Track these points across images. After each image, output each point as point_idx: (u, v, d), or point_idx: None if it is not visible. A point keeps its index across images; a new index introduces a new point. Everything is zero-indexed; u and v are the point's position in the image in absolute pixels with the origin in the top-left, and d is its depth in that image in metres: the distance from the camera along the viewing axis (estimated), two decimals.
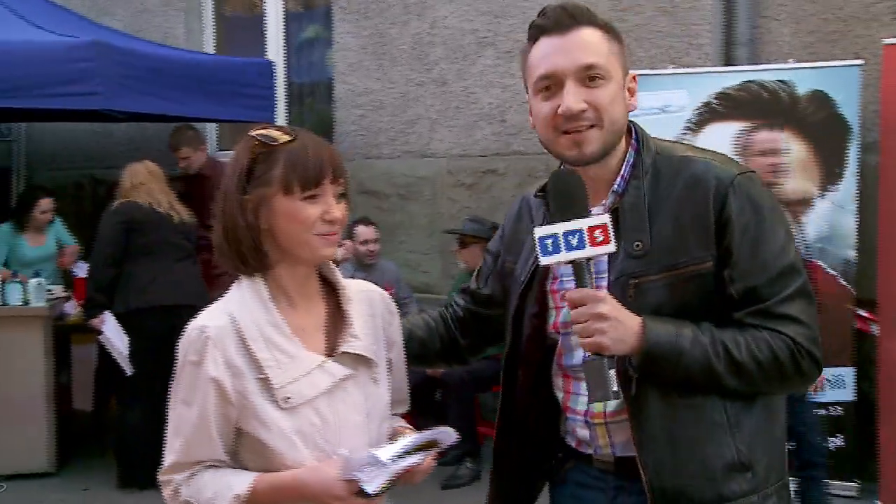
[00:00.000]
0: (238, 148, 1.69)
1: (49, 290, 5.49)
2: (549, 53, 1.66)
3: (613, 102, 1.66)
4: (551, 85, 1.66)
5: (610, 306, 1.57)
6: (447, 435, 1.66)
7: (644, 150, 1.72)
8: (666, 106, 4.92)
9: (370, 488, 1.55)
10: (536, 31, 1.70)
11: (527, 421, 1.85)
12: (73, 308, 5.60)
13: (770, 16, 4.98)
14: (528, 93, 1.74)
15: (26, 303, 5.26)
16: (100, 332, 4.99)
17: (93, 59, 4.91)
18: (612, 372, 1.55)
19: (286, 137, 1.63)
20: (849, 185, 4.54)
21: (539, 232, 1.59)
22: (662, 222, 1.65)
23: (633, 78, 1.73)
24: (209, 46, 7.20)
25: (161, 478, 1.68)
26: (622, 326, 1.57)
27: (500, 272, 1.94)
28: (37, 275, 5.43)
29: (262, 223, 1.62)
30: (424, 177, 6.07)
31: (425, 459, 1.64)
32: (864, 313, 4.47)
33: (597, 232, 1.55)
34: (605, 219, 1.56)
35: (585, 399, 1.71)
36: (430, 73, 6.01)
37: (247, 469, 1.65)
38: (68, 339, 5.67)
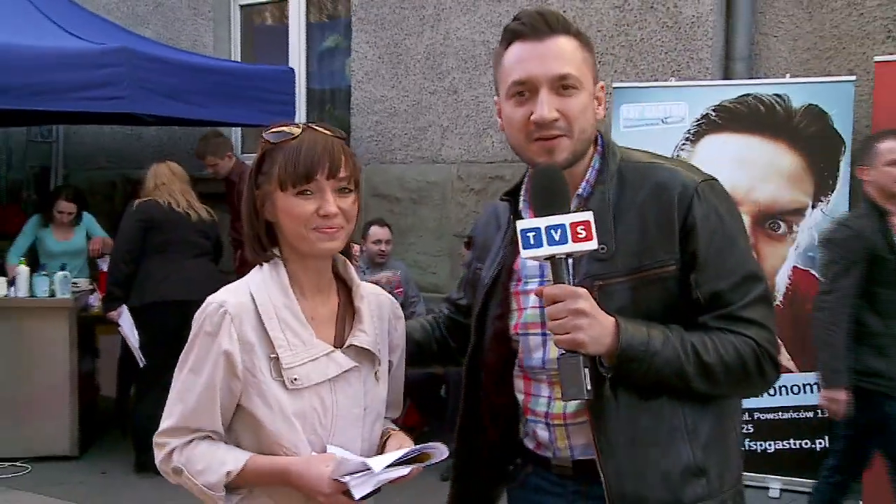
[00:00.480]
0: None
1: (74, 283, 5.71)
2: (524, 59, 1.65)
3: (584, 112, 1.66)
4: (525, 91, 1.65)
5: (589, 303, 1.55)
6: (439, 451, 1.66)
7: (609, 156, 1.72)
8: (667, 117, 5.07)
9: (357, 494, 1.57)
10: (511, 35, 1.69)
11: (487, 423, 1.83)
12: (96, 300, 5.81)
13: (768, 33, 5.11)
14: (497, 95, 1.74)
15: (52, 294, 5.47)
16: (118, 324, 5.22)
17: (121, 65, 5.12)
18: (587, 370, 1.53)
19: (291, 134, 1.65)
20: (841, 196, 4.65)
21: (521, 224, 1.56)
22: (627, 226, 1.65)
23: (602, 87, 1.74)
24: (236, 55, 7.43)
25: (156, 439, 1.69)
26: (598, 325, 1.55)
27: (472, 279, 1.93)
28: (63, 268, 5.66)
29: (269, 217, 1.68)
30: (435, 182, 6.22)
31: (412, 470, 1.64)
32: None
33: (580, 228, 1.53)
34: (589, 215, 1.54)
35: (545, 400, 1.72)
36: (442, 82, 6.18)
37: (239, 446, 1.67)
38: (93, 330, 5.88)
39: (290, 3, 7.17)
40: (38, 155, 8.28)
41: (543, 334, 1.71)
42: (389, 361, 1.83)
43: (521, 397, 1.78)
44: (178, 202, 5.24)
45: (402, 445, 1.74)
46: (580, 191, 1.71)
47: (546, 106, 1.63)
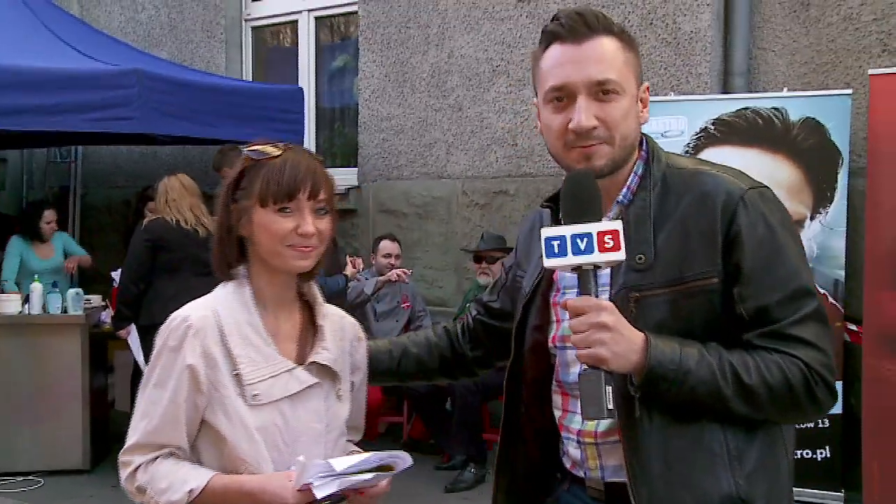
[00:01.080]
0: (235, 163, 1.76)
1: (87, 300, 5.82)
2: (562, 63, 1.58)
3: (626, 118, 1.58)
4: (563, 97, 1.58)
5: (613, 317, 1.47)
6: (402, 460, 1.66)
7: (654, 163, 1.63)
8: (666, 131, 5.12)
9: (319, 493, 1.57)
10: (549, 37, 1.61)
11: (528, 437, 1.77)
12: (108, 316, 5.90)
13: (766, 47, 5.17)
14: (536, 97, 1.68)
15: (65, 311, 5.56)
16: (128, 342, 5.32)
17: (133, 86, 5.25)
18: (609, 389, 1.44)
19: (273, 153, 1.67)
20: (839, 208, 4.65)
21: (546, 232, 1.49)
22: (668, 236, 1.56)
23: (647, 88, 1.65)
24: (248, 75, 7.58)
25: (121, 457, 1.68)
26: (624, 340, 1.47)
27: (512, 286, 1.88)
28: (55, 285, 5.72)
29: (243, 231, 1.69)
30: (440, 197, 6.30)
31: (381, 481, 1.66)
32: (854, 328, 4.61)
33: (607, 237, 1.45)
34: (618, 224, 1.47)
35: (580, 418, 1.62)
36: (447, 99, 6.27)
37: (201, 463, 1.67)
38: (105, 345, 5.97)
39: (300, 25, 7.32)
40: (58, 175, 8.47)
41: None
42: (351, 382, 1.83)
43: (557, 413, 1.72)
44: (187, 219, 5.21)
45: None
46: (620, 197, 1.63)
47: (584, 113, 1.55)
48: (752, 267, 1.51)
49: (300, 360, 1.73)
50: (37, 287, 5.62)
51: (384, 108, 6.58)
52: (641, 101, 1.63)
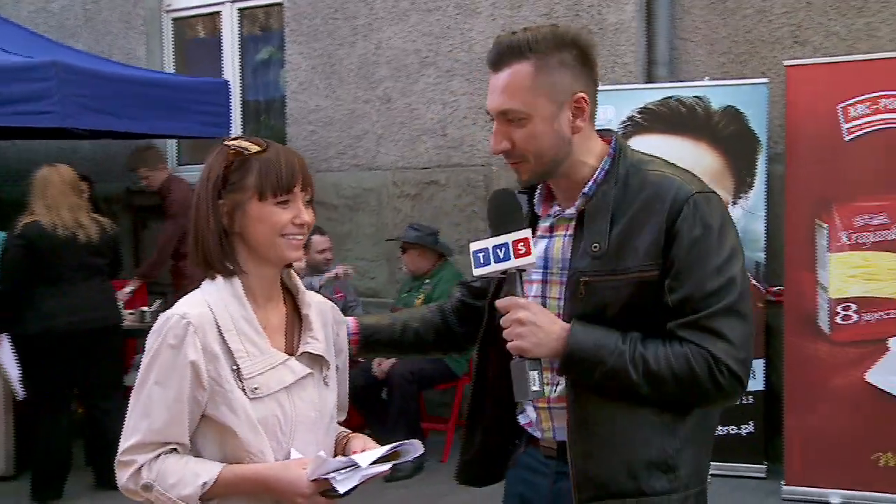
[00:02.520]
0: (212, 158, 1.74)
1: None
2: (489, 90, 1.76)
3: (535, 139, 1.71)
4: (493, 119, 1.77)
5: (528, 312, 1.67)
6: (415, 447, 1.73)
7: (620, 160, 1.76)
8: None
9: (341, 488, 1.61)
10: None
11: (489, 406, 1.94)
12: None
13: (687, 38, 5.32)
14: None
15: None
16: None
17: (51, 79, 5.09)
18: (534, 373, 1.66)
19: (258, 147, 1.71)
20: (759, 192, 4.86)
21: (473, 246, 1.73)
22: (621, 229, 1.70)
23: (581, 98, 1.73)
24: (169, 67, 7.42)
25: (122, 458, 1.69)
26: (541, 332, 1.67)
27: None
28: None
29: (235, 227, 1.70)
30: (371, 188, 6.31)
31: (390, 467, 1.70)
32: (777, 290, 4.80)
33: (520, 245, 1.67)
34: (527, 233, 1.68)
35: None
36: (375, 91, 6.27)
37: (201, 456, 1.69)
38: None
39: (222, 16, 7.21)
40: None
41: None
42: (336, 366, 1.87)
43: None
44: (65, 222, 4.71)
45: (366, 445, 1.80)
46: (586, 189, 1.76)
47: (494, 138, 1.75)
48: (683, 262, 1.66)
49: (289, 350, 1.77)
50: None
51: (312, 101, 6.54)
52: (574, 112, 1.73)
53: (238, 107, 7.04)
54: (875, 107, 4.42)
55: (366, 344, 2.08)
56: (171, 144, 7.42)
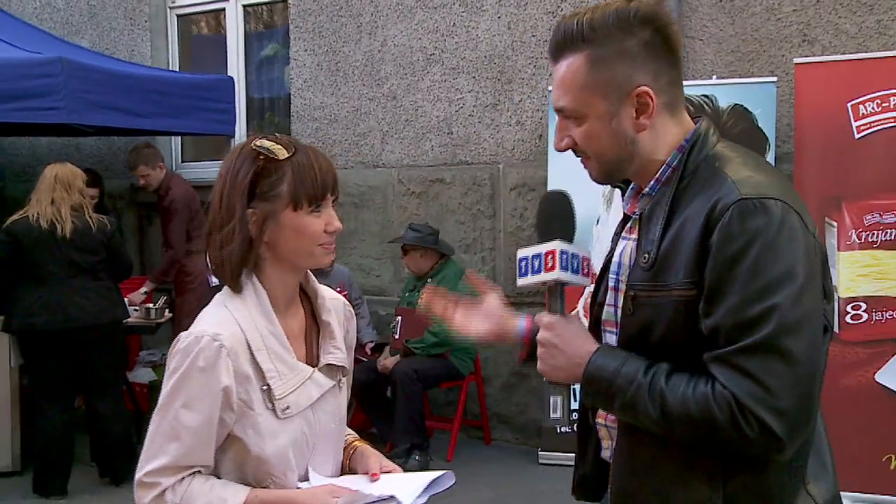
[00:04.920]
0: (236, 160, 1.63)
1: None
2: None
3: (592, 139, 1.55)
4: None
5: (550, 334, 1.56)
6: (449, 478, 1.69)
7: (694, 152, 1.53)
8: None
9: None
10: None
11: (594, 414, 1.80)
12: None
13: (695, 37, 5.30)
14: None
15: None
16: None
17: (57, 75, 5.07)
18: (556, 399, 1.56)
19: (287, 150, 1.61)
20: None
21: (519, 254, 1.63)
22: (671, 236, 1.49)
23: (645, 93, 1.51)
24: (174, 64, 7.40)
25: (145, 479, 1.61)
26: (562, 356, 1.54)
27: None
28: None
29: (264, 237, 1.62)
30: (376, 186, 6.29)
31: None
32: None
33: (549, 257, 1.56)
34: (555, 245, 1.56)
35: None
36: (380, 88, 6.25)
37: (219, 476, 1.64)
38: None
39: (227, 13, 7.19)
40: None
41: (616, 333, 1.61)
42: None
43: None
44: (47, 216, 4.70)
45: (382, 464, 1.74)
46: (647, 189, 1.58)
47: (556, 136, 1.60)
48: (715, 283, 1.41)
49: (309, 359, 1.72)
50: None
51: (317, 98, 6.52)
52: (639, 105, 1.52)
53: (243, 104, 7.02)
54: (885, 105, 4.40)
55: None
56: (176, 141, 7.40)
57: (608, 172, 1.60)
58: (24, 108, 5.12)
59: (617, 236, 1.70)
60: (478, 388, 5.75)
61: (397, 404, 5.29)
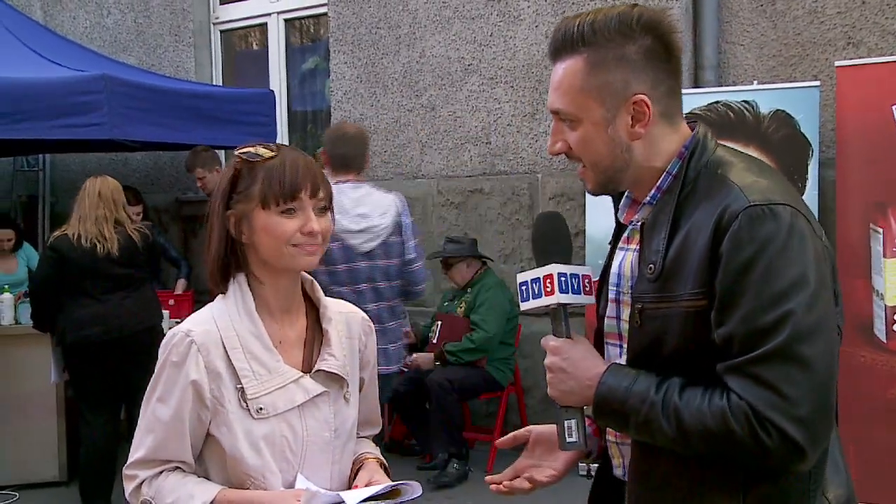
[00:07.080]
0: (225, 168, 1.72)
1: None
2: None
3: (586, 144, 1.51)
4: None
5: (556, 358, 1.53)
6: (413, 489, 1.67)
7: (693, 159, 1.48)
8: None
9: None
10: None
11: None
12: None
13: (735, 41, 5.22)
14: None
15: None
16: None
17: (101, 92, 5.20)
18: (570, 423, 1.53)
19: (268, 154, 1.64)
20: (810, 198, 4.72)
21: (518, 278, 1.59)
22: (677, 245, 1.44)
23: (641, 101, 1.47)
24: (217, 79, 7.52)
25: (126, 471, 1.68)
26: (571, 379, 1.52)
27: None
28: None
29: (244, 238, 1.65)
30: (416, 197, 6.26)
31: None
32: None
33: (547, 282, 1.53)
34: (552, 269, 1.53)
35: None
36: (419, 99, 6.27)
37: (208, 477, 1.67)
38: None
39: (269, 28, 7.28)
40: (26, 184, 8.34)
41: (619, 345, 1.59)
42: (361, 378, 1.82)
43: None
44: (89, 234, 4.74)
45: (372, 479, 1.74)
46: (648, 198, 1.52)
47: (551, 138, 1.56)
48: (727, 291, 1.37)
49: (307, 366, 1.72)
50: (7, 298, 5.52)
51: (357, 110, 6.56)
52: (635, 113, 1.48)
53: (284, 117, 7.10)
54: None
55: None
56: (220, 155, 7.49)
57: (603, 182, 1.55)
58: (69, 125, 5.26)
59: (613, 246, 1.65)
60: (518, 399, 5.71)
61: (432, 414, 5.31)
